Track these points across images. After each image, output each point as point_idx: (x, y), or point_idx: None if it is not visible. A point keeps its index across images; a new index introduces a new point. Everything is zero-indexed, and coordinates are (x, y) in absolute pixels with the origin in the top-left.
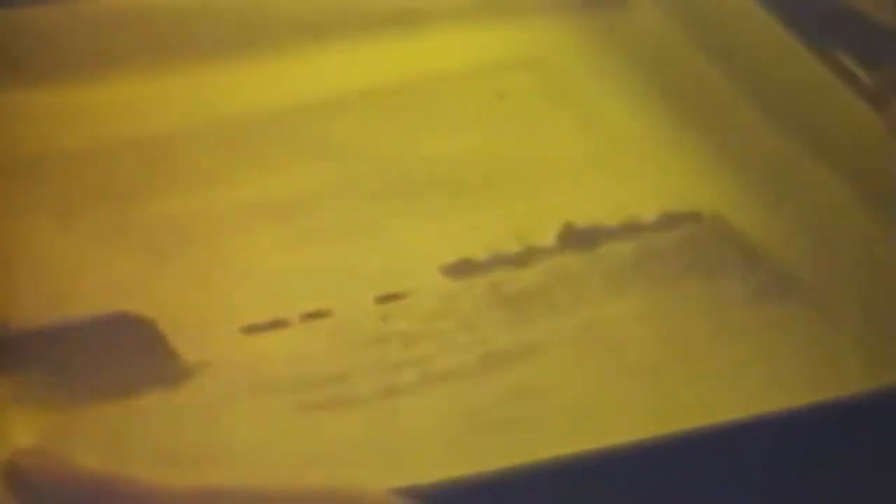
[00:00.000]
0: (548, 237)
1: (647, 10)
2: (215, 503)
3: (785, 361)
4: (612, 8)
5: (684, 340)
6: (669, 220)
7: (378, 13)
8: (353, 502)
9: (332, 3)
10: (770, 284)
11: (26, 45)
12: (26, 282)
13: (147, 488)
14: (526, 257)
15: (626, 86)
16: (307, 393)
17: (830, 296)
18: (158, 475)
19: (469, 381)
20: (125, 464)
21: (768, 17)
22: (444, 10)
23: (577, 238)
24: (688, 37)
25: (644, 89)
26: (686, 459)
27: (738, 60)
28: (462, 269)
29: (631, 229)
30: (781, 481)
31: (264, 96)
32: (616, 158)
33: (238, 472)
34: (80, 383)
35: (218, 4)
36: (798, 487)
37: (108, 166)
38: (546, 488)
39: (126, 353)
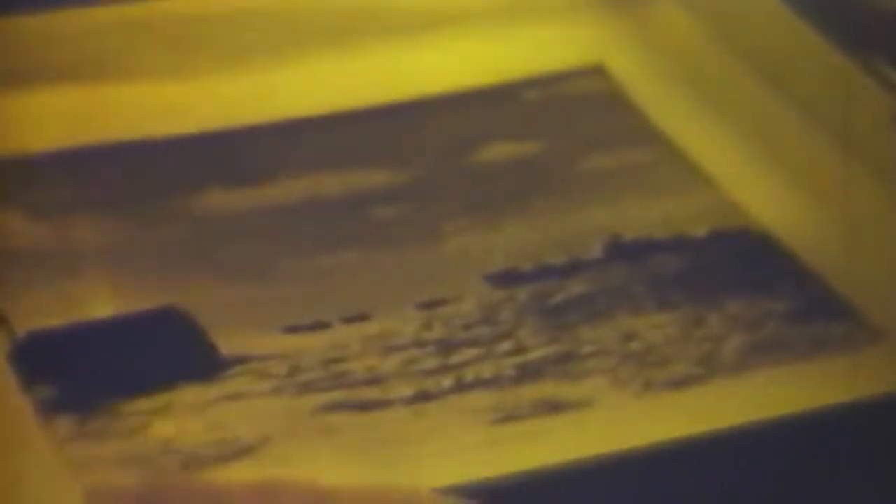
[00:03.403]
0: (595, 249)
1: (672, 8)
2: (271, 499)
3: (827, 381)
4: (636, 6)
5: (724, 356)
6: (718, 236)
7: (427, 16)
8: (408, 502)
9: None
10: (815, 302)
11: (30, 50)
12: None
13: (200, 484)
14: (571, 269)
15: (669, 92)
16: (340, 394)
17: (877, 315)
18: (193, 469)
19: (504, 389)
20: (163, 457)
21: (792, 16)
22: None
23: (623, 251)
24: (715, 36)
25: (685, 93)
26: (718, 463)
27: (763, 58)
28: (507, 278)
29: (679, 243)
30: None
31: (309, 99)
32: (668, 171)
33: (271, 467)
34: (121, 377)
35: (233, 11)
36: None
37: (142, 164)
38: (586, 489)
39: (166, 348)
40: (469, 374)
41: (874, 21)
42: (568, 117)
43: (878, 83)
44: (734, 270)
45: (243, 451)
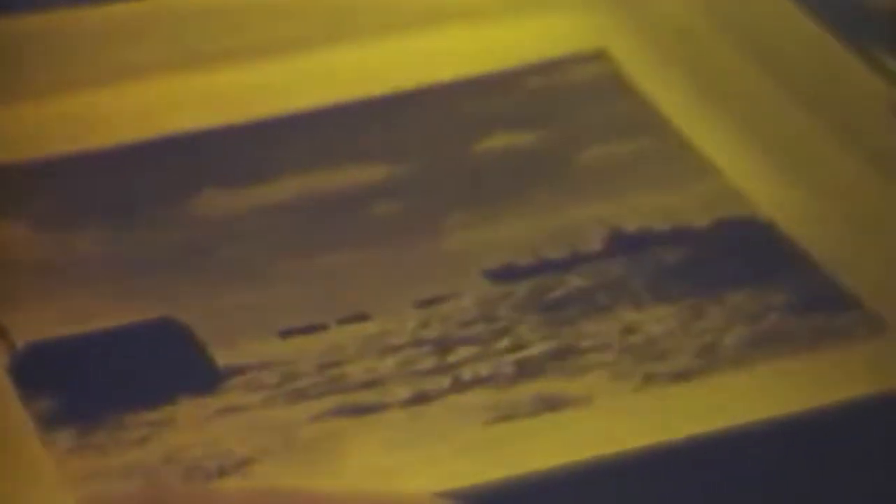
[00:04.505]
0: (595, 242)
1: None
2: None
3: (830, 373)
4: None
5: (725, 348)
6: (720, 226)
7: (423, 6)
8: None
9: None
10: (818, 294)
11: (31, 51)
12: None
13: (197, 494)
14: (571, 262)
15: (671, 78)
16: (337, 399)
17: (880, 307)
18: (193, 482)
19: (503, 388)
20: (162, 469)
21: (793, 5)
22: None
23: (624, 243)
24: (717, 24)
25: (686, 80)
26: (720, 460)
27: (763, 46)
28: (506, 273)
29: (680, 234)
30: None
31: (306, 93)
32: (669, 160)
33: (272, 477)
34: (119, 389)
35: (227, 8)
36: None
37: (139, 168)
38: (586, 489)
39: (164, 360)
40: (467, 373)
41: (877, 16)
42: (568, 106)
43: (878, 73)
44: (736, 261)
45: (243, 463)
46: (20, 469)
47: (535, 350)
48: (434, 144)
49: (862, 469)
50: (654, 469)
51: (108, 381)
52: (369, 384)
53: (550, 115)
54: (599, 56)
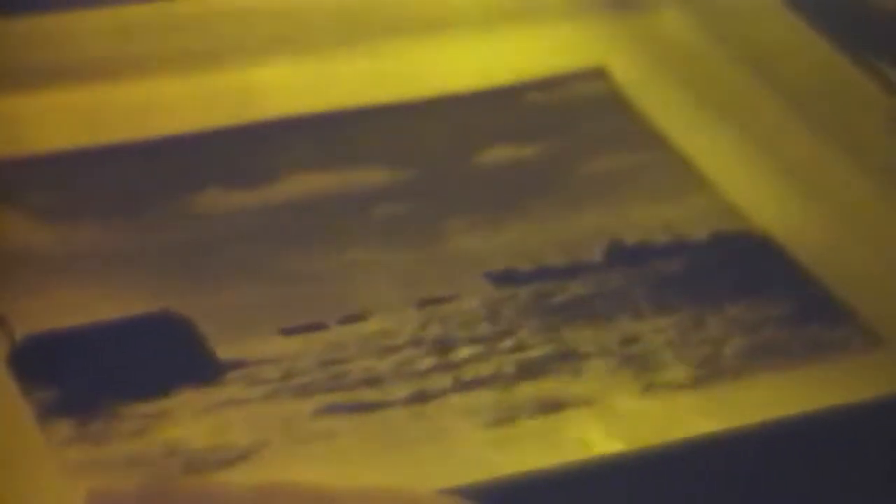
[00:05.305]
0: (595, 253)
1: (674, 12)
2: (272, 502)
3: (825, 384)
4: (638, 10)
5: (723, 359)
6: (718, 239)
7: (429, 18)
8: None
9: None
10: (814, 306)
11: (30, 51)
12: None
13: (202, 488)
14: (571, 271)
15: (670, 95)
16: (338, 396)
17: (875, 319)
18: (193, 473)
19: (502, 389)
20: (162, 461)
21: (793, 19)
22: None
23: (624, 255)
24: (717, 39)
25: (686, 96)
26: (717, 466)
27: (763, 60)
28: (507, 278)
29: (679, 247)
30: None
31: (310, 98)
32: (669, 174)
33: (273, 470)
34: (119, 380)
35: (232, 11)
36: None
37: (142, 165)
38: (585, 491)
39: (164, 352)
40: (468, 374)
41: (876, 22)
42: (569, 120)
43: (879, 85)
44: (733, 273)
45: (242, 456)
46: (20, 458)
47: (536, 355)
48: (436, 153)
49: (855, 475)
50: (653, 471)
51: (108, 371)
52: (370, 382)
53: (551, 129)
54: (600, 72)
